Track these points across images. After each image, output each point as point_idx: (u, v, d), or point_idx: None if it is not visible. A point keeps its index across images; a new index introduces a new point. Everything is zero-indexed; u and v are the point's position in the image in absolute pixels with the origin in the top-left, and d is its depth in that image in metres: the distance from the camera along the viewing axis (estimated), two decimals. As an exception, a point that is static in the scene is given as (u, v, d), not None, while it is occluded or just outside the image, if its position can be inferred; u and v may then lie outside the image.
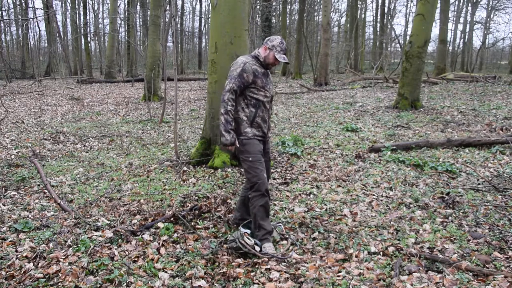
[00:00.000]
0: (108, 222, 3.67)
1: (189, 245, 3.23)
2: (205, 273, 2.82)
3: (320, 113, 9.89)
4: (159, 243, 3.25)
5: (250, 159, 3.08)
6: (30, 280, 2.71)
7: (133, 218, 3.75)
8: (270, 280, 2.72)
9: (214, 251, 3.10)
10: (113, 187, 4.70)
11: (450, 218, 3.64)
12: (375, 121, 8.55)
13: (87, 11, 30.34)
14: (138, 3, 28.85)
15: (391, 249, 3.09)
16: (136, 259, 3.02)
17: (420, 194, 4.23)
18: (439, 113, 9.12)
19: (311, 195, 4.32)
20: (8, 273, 2.80)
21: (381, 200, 4.13)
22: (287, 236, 3.32)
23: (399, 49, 33.76)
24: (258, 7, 23.03)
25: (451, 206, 3.89)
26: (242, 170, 5.15)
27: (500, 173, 4.81)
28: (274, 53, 3.14)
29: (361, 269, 2.83)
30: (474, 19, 31.25)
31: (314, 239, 3.32)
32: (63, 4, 31.77)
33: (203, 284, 2.66)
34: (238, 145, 3.11)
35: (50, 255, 3.02)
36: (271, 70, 3.47)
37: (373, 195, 4.27)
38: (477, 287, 2.57)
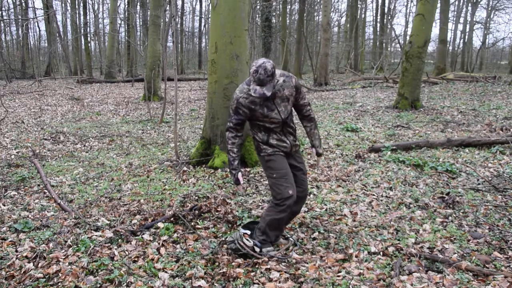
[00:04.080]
0: (108, 222, 3.67)
1: (189, 245, 3.23)
2: (205, 273, 2.82)
3: (320, 113, 9.89)
4: (159, 243, 3.25)
5: (274, 175, 2.90)
6: (30, 280, 2.71)
7: (133, 218, 3.75)
8: (270, 280, 2.72)
9: (214, 251, 3.10)
10: (113, 187, 4.70)
11: (450, 218, 3.64)
12: (375, 121, 8.55)
13: (87, 11, 30.34)
14: (138, 3, 28.85)
15: (391, 249, 3.09)
16: (136, 259, 3.02)
17: (420, 194, 4.23)
18: (439, 113, 9.12)
19: (311, 195, 4.31)
20: (8, 273, 2.80)
21: (381, 200, 4.13)
22: (288, 236, 3.31)
23: (399, 49, 33.75)
24: (258, 7, 23.02)
25: (451, 206, 3.89)
26: (246, 170, 5.17)
27: (500, 173, 4.81)
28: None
29: (361, 269, 2.83)
30: (474, 19, 31.26)
31: (314, 239, 3.32)
32: (63, 4, 31.78)
33: (203, 284, 2.66)
34: (243, 188, 2.96)
35: (50, 255, 3.02)
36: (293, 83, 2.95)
37: (373, 195, 4.27)
38: (477, 287, 2.57)
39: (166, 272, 2.83)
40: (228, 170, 2.91)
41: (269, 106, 2.88)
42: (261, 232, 3.02)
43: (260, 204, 4.03)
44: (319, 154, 3.22)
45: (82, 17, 29.04)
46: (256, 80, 2.70)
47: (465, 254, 2.98)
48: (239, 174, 3.00)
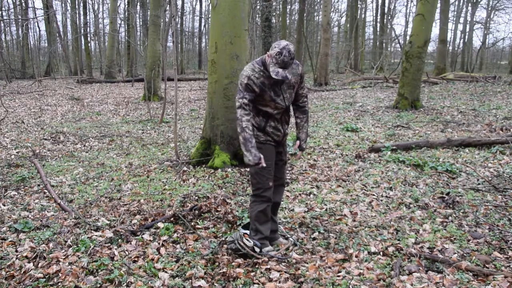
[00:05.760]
0: (108, 222, 3.67)
1: (189, 245, 3.23)
2: (205, 273, 2.82)
3: (320, 113, 9.89)
4: (159, 243, 3.25)
5: None
6: (30, 280, 2.71)
7: (133, 218, 3.75)
8: (270, 280, 2.72)
9: (214, 251, 3.10)
10: (113, 187, 4.70)
11: (450, 218, 3.64)
12: (375, 121, 8.55)
13: (87, 11, 30.35)
14: (138, 3, 28.84)
15: (391, 249, 3.09)
16: (136, 259, 3.02)
17: (420, 194, 4.23)
18: (439, 113, 9.12)
19: (311, 195, 4.32)
20: (8, 273, 2.80)
21: (381, 200, 4.13)
22: (288, 236, 3.32)
23: (399, 49, 33.76)
24: (258, 7, 23.01)
25: (451, 206, 3.89)
26: (246, 170, 5.17)
27: (500, 173, 4.81)
28: (269, 64, 2.70)
29: (361, 269, 2.83)
30: (474, 19, 31.25)
31: (314, 239, 3.32)
32: (63, 4, 31.77)
33: (203, 284, 2.66)
34: (264, 165, 2.80)
35: (50, 255, 3.02)
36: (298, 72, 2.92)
37: (373, 195, 4.27)
38: (477, 287, 2.57)
39: (166, 272, 2.83)
40: (244, 150, 2.79)
41: (276, 91, 2.85)
42: (254, 231, 3.02)
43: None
44: (302, 148, 3.16)
45: (82, 17, 29.05)
46: (280, 62, 2.64)
47: (465, 254, 2.98)
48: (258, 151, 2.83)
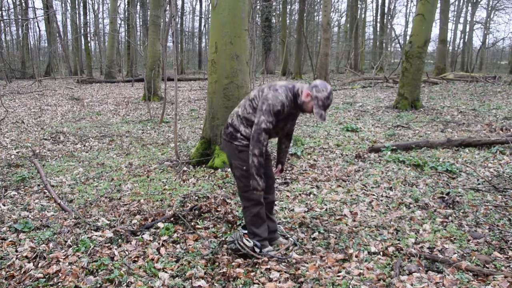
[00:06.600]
0: (108, 222, 3.67)
1: (189, 245, 3.23)
2: (205, 273, 2.82)
3: (320, 113, 9.87)
4: (159, 243, 3.25)
5: (244, 168, 2.88)
6: (30, 280, 2.71)
7: (133, 218, 3.76)
8: (270, 280, 2.72)
9: (214, 251, 3.10)
10: (113, 187, 4.70)
11: (450, 218, 3.64)
12: (375, 121, 8.55)
13: (87, 11, 30.35)
14: (138, 3, 28.84)
15: (391, 249, 3.09)
16: (136, 259, 3.02)
17: (420, 194, 4.23)
18: (439, 113, 9.12)
19: (311, 195, 4.32)
20: (8, 273, 2.80)
21: (381, 200, 4.13)
22: (288, 236, 3.32)
23: (399, 49, 33.76)
24: (258, 7, 23.03)
25: (451, 206, 3.89)
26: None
27: (500, 173, 4.81)
28: (313, 105, 2.74)
29: (361, 269, 2.83)
30: (474, 19, 31.25)
31: (314, 239, 3.32)
32: (63, 4, 31.78)
33: (203, 284, 2.66)
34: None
35: (50, 255, 3.02)
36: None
37: (373, 195, 4.27)
38: (477, 287, 2.57)
39: (166, 272, 2.83)
40: (256, 174, 2.80)
41: (287, 121, 2.93)
42: (252, 235, 3.03)
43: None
44: (282, 171, 3.27)
45: (82, 17, 29.04)
46: (326, 105, 2.73)
47: (465, 254, 2.98)
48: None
